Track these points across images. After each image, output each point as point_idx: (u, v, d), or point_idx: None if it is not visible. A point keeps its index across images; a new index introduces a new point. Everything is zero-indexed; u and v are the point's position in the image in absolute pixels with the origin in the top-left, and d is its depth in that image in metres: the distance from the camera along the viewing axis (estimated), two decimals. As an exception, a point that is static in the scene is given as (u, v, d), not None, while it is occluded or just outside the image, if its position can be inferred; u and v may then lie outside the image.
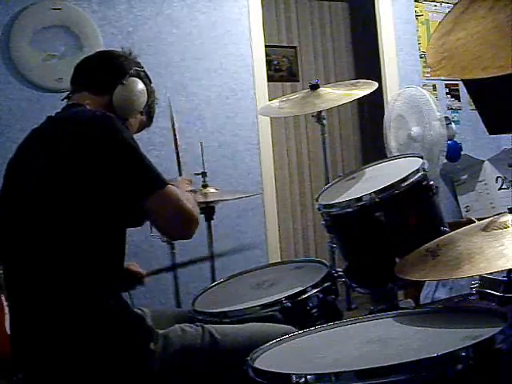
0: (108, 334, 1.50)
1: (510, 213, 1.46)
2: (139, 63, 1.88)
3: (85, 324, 1.49)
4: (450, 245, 1.51)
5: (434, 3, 4.49)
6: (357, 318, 1.52)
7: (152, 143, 3.62)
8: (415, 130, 3.78)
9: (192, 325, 1.64)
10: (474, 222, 1.63)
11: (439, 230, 1.96)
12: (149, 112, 1.94)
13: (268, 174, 3.99)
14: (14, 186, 1.63)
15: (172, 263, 2.80)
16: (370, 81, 2.66)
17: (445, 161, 3.92)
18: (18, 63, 3.37)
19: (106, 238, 1.56)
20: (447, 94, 4.49)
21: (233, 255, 2.68)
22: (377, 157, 2.78)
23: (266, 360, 1.32)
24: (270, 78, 4.17)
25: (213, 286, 2.19)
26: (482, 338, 1.16)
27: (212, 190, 2.74)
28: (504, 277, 1.66)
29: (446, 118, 3.90)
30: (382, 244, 1.97)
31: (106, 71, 1.80)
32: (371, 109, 4.73)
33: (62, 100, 1.82)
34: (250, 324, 1.68)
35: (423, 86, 4.26)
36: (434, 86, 4.42)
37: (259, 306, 1.82)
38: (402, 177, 1.93)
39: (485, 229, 1.46)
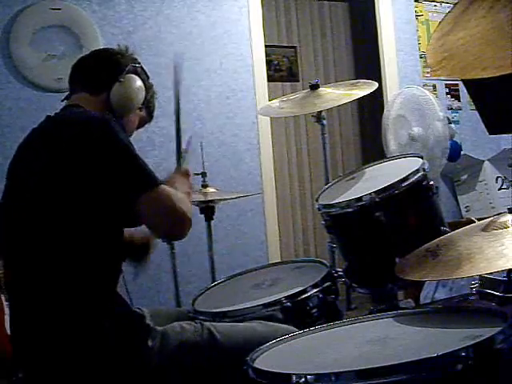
0: (106, 331, 1.50)
1: (509, 213, 1.46)
2: (136, 59, 1.87)
3: (83, 322, 1.50)
4: (449, 245, 1.50)
5: (434, 3, 4.49)
6: (357, 317, 1.52)
7: (152, 143, 3.62)
8: (417, 130, 3.78)
9: (191, 322, 1.64)
10: (474, 221, 1.63)
11: (439, 230, 1.96)
12: (148, 107, 1.92)
13: (268, 174, 3.99)
14: (14, 187, 1.64)
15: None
16: (370, 81, 2.66)
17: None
18: (17, 63, 3.38)
19: (104, 238, 1.56)
20: (447, 94, 4.49)
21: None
22: (377, 157, 2.79)
23: (266, 360, 1.32)
24: (270, 78, 4.17)
25: (213, 286, 2.18)
26: (482, 338, 1.16)
27: (212, 189, 2.75)
28: (504, 277, 1.66)
29: (446, 117, 3.90)
30: (382, 244, 1.97)
31: (103, 70, 1.79)
32: (371, 109, 4.74)
33: (62, 101, 1.82)
34: (250, 323, 1.68)
35: (423, 85, 4.26)
36: (434, 86, 4.42)
37: (259, 305, 1.82)
38: (402, 177, 1.93)
39: (485, 229, 1.46)
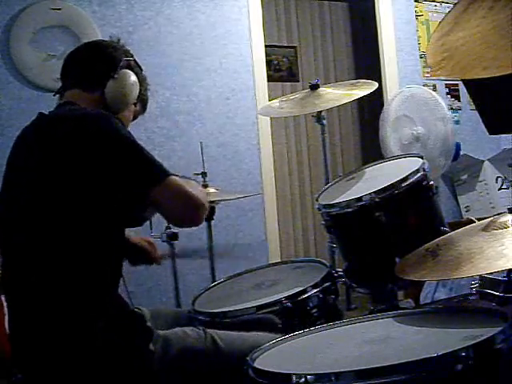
0: (107, 333, 1.50)
1: (509, 213, 1.46)
2: (128, 51, 1.85)
3: (84, 324, 1.49)
4: (449, 245, 1.50)
5: (434, 3, 4.49)
6: (357, 317, 1.52)
7: (152, 143, 3.62)
8: (421, 129, 3.78)
9: (194, 328, 1.63)
10: (474, 221, 1.63)
11: (439, 230, 1.96)
12: (142, 100, 1.90)
13: (268, 174, 3.99)
14: (11, 185, 1.63)
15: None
16: (370, 81, 2.66)
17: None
18: (17, 63, 3.37)
19: (106, 238, 1.56)
20: (447, 94, 4.49)
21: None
22: (377, 157, 2.79)
23: (266, 360, 1.32)
24: (270, 78, 4.17)
25: (213, 286, 2.18)
26: (482, 338, 1.16)
27: (212, 190, 2.74)
28: (504, 277, 1.66)
29: (452, 118, 3.91)
30: (382, 244, 1.96)
31: (96, 66, 1.77)
32: (371, 109, 4.74)
33: (54, 95, 1.81)
34: (254, 333, 1.67)
35: (423, 85, 4.26)
36: (434, 86, 4.42)
37: (259, 305, 1.82)
38: (402, 177, 1.93)
39: (485, 229, 1.46)
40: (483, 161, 4.24)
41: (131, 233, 1.90)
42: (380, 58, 4.38)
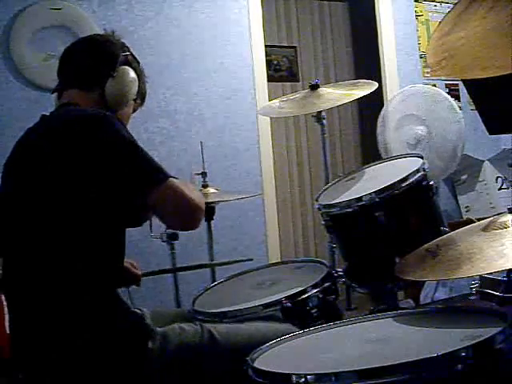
0: (106, 332, 1.50)
1: (509, 213, 1.46)
2: (124, 44, 1.83)
3: (83, 323, 1.49)
4: (450, 245, 1.50)
5: (434, 3, 4.49)
6: (357, 317, 1.52)
7: (152, 143, 3.62)
8: (427, 129, 3.78)
9: (191, 323, 1.64)
10: (474, 221, 1.63)
11: (439, 230, 1.96)
12: (141, 93, 1.87)
13: (268, 174, 3.99)
14: (11, 185, 1.63)
15: (171, 267, 2.80)
16: (370, 81, 2.66)
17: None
18: (18, 63, 3.37)
19: (106, 238, 1.56)
20: (447, 93, 4.48)
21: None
22: (377, 157, 2.79)
23: (266, 360, 1.32)
24: (269, 78, 4.17)
25: (213, 286, 2.18)
26: (482, 338, 1.16)
27: (212, 190, 2.75)
28: (504, 277, 1.66)
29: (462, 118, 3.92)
30: (382, 244, 1.97)
31: (93, 64, 1.76)
32: (371, 109, 4.73)
33: (52, 93, 1.79)
34: (250, 323, 1.68)
35: (411, 87, 4.26)
36: (434, 86, 4.42)
37: (259, 306, 1.82)
38: (401, 177, 1.93)
39: (485, 229, 1.46)
40: (483, 161, 4.24)
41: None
42: (380, 58, 4.38)
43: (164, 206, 1.56)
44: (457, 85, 4.41)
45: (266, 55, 4.11)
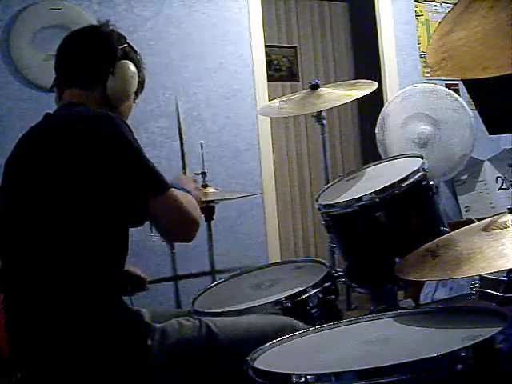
0: (105, 330, 1.50)
1: (509, 213, 1.46)
2: (121, 35, 1.80)
3: (82, 321, 1.49)
4: (449, 245, 1.50)
5: (434, 3, 4.49)
6: (357, 317, 1.52)
7: (152, 143, 3.62)
8: (435, 129, 3.79)
9: (189, 318, 1.64)
10: (474, 221, 1.63)
11: (439, 230, 1.96)
12: (141, 82, 1.84)
13: (268, 174, 3.99)
14: (13, 183, 1.62)
15: (175, 274, 2.80)
16: (370, 81, 2.66)
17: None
18: (18, 63, 3.37)
19: (106, 235, 1.56)
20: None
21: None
22: (377, 157, 2.79)
23: (266, 360, 1.32)
24: (269, 78, 4.17)
25: (213, 286, 2.18)
26: (482, 338, 1.16)
27: (212, 190, 2.74)
28: (504, 277, 1.66)
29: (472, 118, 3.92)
30: (382, 244, 1.97)
31: (92, 61, 1.73)
32: (371, 109, 4.74)
33: (51, 88, 1.78)
34: (248, 316, 1.68)
35: (415, 87, 4.26)
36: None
37: (259, 306, 1.82)
38: (402, 177, 1.93)
39: (485, 229, 1.46)
40: (483, 161, 4.24)
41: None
42: (380, 58, 4.38)
43: (161, 216, 1.56)
44: (457, 85, 4.40)
45: (266, 55, 4.11)
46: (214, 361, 1.55)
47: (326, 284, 1.89)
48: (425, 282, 2.64)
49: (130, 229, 1.66)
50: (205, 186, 2.76)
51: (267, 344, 1.39)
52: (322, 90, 2.64)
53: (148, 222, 1.64)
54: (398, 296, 2.25)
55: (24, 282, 1.56)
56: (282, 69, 4.77)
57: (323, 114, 2.73)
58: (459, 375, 1.11)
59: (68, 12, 3.46)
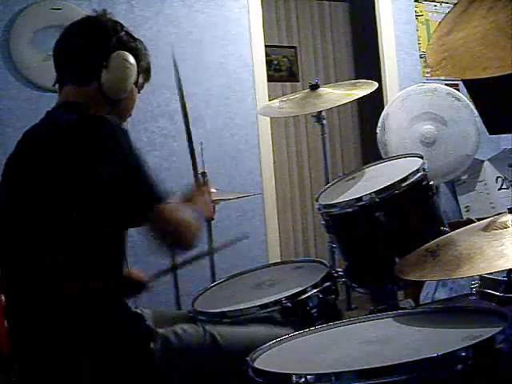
0: (107, 333, 1.50)
1: (509, 213, 1.46)
2: (116, 23, 1.70)
3: (83, 324, 1.49)
4: (449, 245, 1.50)
5: (434, 3, 4.49)
6: (357, 318, 1.52)
7: (152, 143, 3.62)
8: (443, 128, 3.79)
9: (193, 325, 1.63)
10: (474, 221, 1.63)
11: (439, 230, 1.96)
12: (145, 71, 1.78)
13: (268, 174, 3.99)
14: (11, 186, 1.61)
15: (172, 264, 2.80)
16: (370, 81, 2.66)
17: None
18: (17, 63, 3.37)
19: (106, 239, 1.55)
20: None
21: (231, 246, 2.62)
22: (377, 157, 2.79)
23: (266, 360, 1.32)
24: (269, 78, 4.17)
25: (213, 286, 2.18)
26: (482, 338, 1.16)
27: (212, 190, 2.74)
28: (504, 277, 1.66)
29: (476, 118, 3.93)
30: (382, 244, 1.96)
31: (85, 55, 1.64)
32: (371, 109, 4.74)
33: (54, 85, 1.72)
34: (252, 327, 1.67)
35: (418, 86, 4.26)
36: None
37: (259, 306, 1.82)
38: (402, 177, 1.93)
39: (485, 229, 1.46)
40: (483, 161, 4.24)
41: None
42: (380, 58, 4.38)
43: (155, 229, 1.55)
44: (457, 85, 4.40)
45: (266, 55, 4.11)
46: (216, 369, 1.55)
47: (326, 284, 1.89)
48: (425, 281, 2.64)
49: (131, 228, 1.66)
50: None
51: (267, 344, 1.40)
52: (322, 89, 2.65)
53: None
54: (398, 296, 2.25)
55: (23, 282, 1.55)
56: (282, 69, 4.77)
57: (323, 114, 2.73)
58: (459, 375, 1.11)
59: (68, 12, 3.46)
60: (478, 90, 1.87)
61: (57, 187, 1.50)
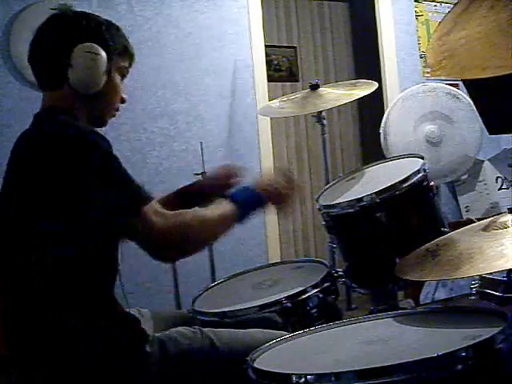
0: (102, 336, 1.47)
1: (509, 213, 1.46)
2: (78, 14, 1.64)
3: (78, 327, 1.47)
4: (449, 245, 1.51)
5: (434, 3, 4.49)
6: (357, 318, 1.52)
7: (152, 143, 3.62)
8: (449, 127, 3.80)
9: (190, 328, 1.61)
10: (474, 221, 1.63)
11: (439, 231, 1.96)
12: (120, 52, 1.67)
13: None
14: (9, 187, 1.60)
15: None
16: (370, 81, 2.66)
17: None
18: (17, 63, 3.37)
19: (102, 240, 1.53)
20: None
21: None
22: (377, 157, 2.79)
23: (266, 360, 1.32)
24: (269, 78, 4.17)
25: (213, 286, 2.18)
26: (482, 338, 1.16)
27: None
28: (504, 277, 1.66)
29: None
30: (382, 244, 1.97)
31: (48, 59, 1.59)
32: (371, 109, 4.74)
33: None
34: (251, 330, 1.65)
35: (423, 85, 4.26)
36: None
37: (259, 306, 1.82)
38: (402, 177, 1.93)
39: (485, 229, 1.46)
40: (483, 161, 4.24)
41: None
42: (380, 58, 4.38)
43: (140, 235, 1.51)
44: (457, 85, 4.41)
45: (266, 55, 4.11)
46: (215, 373, 1.53)
47: (326, 284, 1.89)
48: (425, 281, 2.64)
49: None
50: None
51: (267, 344, 1.40)
52: (322, 89, 2.65)
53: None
54: (398, 296, 2.25)
55: (19, 287, 1.52)
56: (282, 69, 4.77)
57: (323, 113, 2.74)
58: (459, 375, 1.11)
59: (68, 12, 3.46)
60: (478, 89, 1.87)
61: (41, 193, 1.47)
